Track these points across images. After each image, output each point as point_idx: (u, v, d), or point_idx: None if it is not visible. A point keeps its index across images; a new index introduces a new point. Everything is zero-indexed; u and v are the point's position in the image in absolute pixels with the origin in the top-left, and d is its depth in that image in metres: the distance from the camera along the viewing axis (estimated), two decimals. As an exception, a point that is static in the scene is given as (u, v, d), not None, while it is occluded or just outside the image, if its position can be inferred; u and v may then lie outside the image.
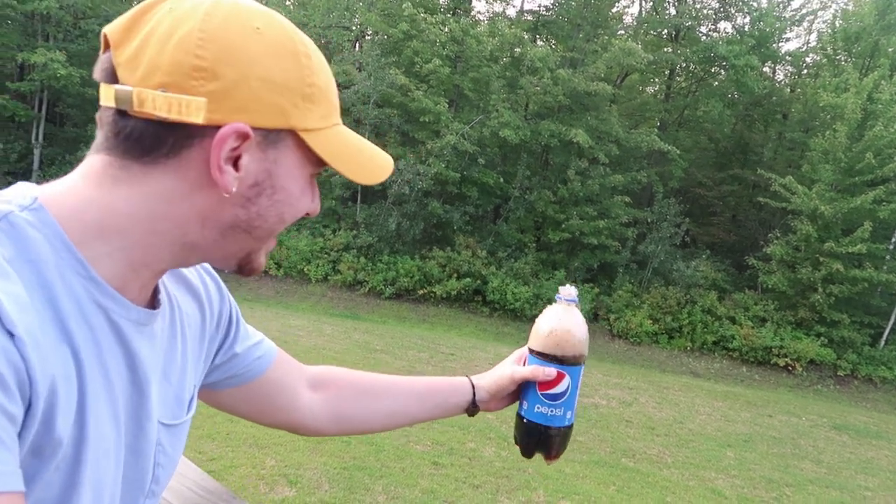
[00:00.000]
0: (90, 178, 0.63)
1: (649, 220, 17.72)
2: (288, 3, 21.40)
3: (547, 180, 17.88)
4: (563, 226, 16.73)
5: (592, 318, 16.03)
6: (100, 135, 0.63)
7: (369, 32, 19.22)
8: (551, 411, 0.99)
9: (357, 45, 19.41)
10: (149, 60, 0.60)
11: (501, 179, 17.38)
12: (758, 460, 7.65)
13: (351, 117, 16.99)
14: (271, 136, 0.65)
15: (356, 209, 17.11)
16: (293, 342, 9.48)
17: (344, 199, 17.47)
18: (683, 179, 19.34)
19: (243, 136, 0.62)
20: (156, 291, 0.73)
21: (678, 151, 17.85)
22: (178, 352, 0.76)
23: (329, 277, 15.78)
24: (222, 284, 0.89)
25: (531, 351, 1.01)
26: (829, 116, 17.73)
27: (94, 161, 0.63)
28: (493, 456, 6.02)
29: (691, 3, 20.11)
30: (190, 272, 0.83)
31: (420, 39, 16.88)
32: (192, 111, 0.60)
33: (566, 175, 17.05)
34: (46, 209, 0.60)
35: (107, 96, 0.61)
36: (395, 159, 16.27)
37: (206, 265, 0.87)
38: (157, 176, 0.62)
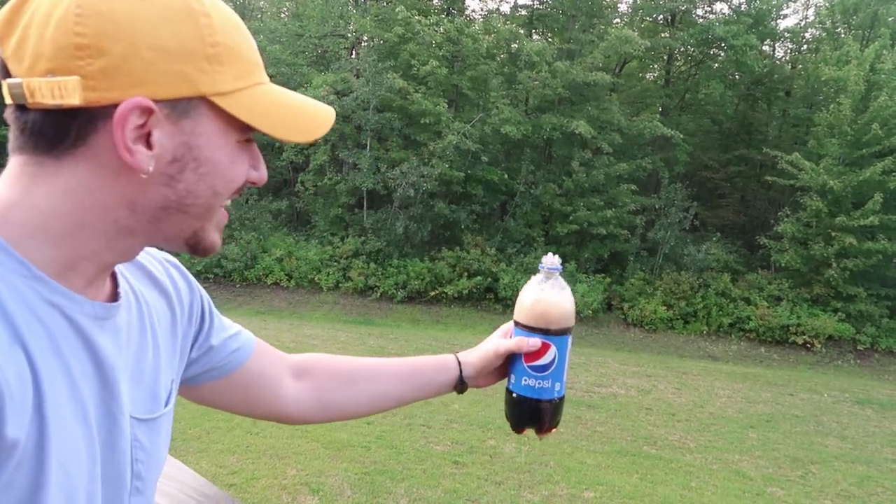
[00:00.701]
0: (9, 181, 0.61)
1: (657, 207, 17.64)
2: (283, 15, 21.51)
3: (551, 173, 17.84)
4: (571, 218, 16.68)
5: (606, 307, 15.98)
6: (10, 134, 0.62)
7: (365, 39, 19.26)
8: (539, 383, 0.98)
9: (353, 52, 19.46)
10: (32, 49, 0.58)
11: (506, 176, 17.36)
12: (781, 440, 7.60)
13: (352, 124, 17.04)
14: (181, 107, 0.61)
15: (363, 215, 17.14)
16: (308, 352, 9.50)
17: (350, 206, 17.52)
18: (689, 164, 19.23)
19: (146, 111, 0.59)
20: (116, 286, 0.71)
21: (682, 136, 17.76)
22: (148, 346, 0.75)
23: (340, 285, 15.82)
24: (191, 278, 0.88)
25: (516, 323, 1.00)
26: (832, 90, 17.57)
27: (11, 163, 0.62)
28: (514, 452, 6.01)
29: (685, -15, 20.00)
30: (155, 268, 0.82)
31: (415, 42, 16.90)
32: (70, 92, 0.57)
33: (570, 167, 17.01)
34: None
35: (4, 93, 0.59)
36: (399, 163, 16.36)
37: (172, 259, 0.87)
38: (70, 167, 0.60)
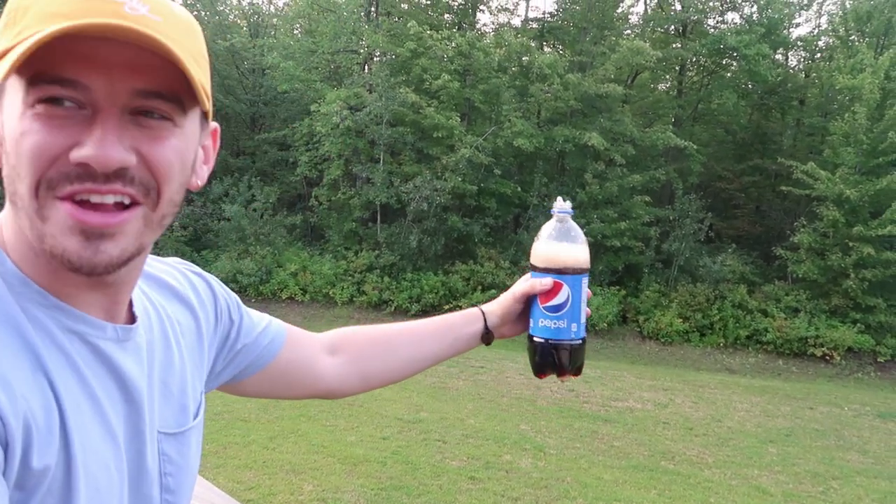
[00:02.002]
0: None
1: (671, 218, 17.55)
2: (296, 31, 21.74)
3: (565, 185, 17.81)
4: (585, 230, 16.27)
5: (621, 320, 15.88)
6: None
7: (377, 54, 19.39)
8: (555, 324, 1.00)
9: (366, 67, 19.60)
10: None
11: (519, 188, 17.36)
12: (801, 454, 7.49)
13: (365, 139, 17.14)
14: None
15: (377, 229, 17.20)
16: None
17: (364, 220, 17.58)
18: (703, 174, 19.13)
19: None
20: (131, 306, 0.71)
21: (695, 146, 17.68)
22: (175, 361, 0.76)
23: (355, 299, 15.85)
24: (215, 283, 0.88)
25: (531, 267, 1.04)
26: (846, 99, 17.44)
27: None
28: (531, 467, 5.97)
29: (696, -3, 20.01)
30: (177, 280, 0.82)
31: (427, 56, 17.00)
32: None
33: (584, 179, 16.98)
34: None
35: None
36: (412, 177, 16.40)
37: (195, 268, 0.88)
38: None
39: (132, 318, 0.71)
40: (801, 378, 13.93)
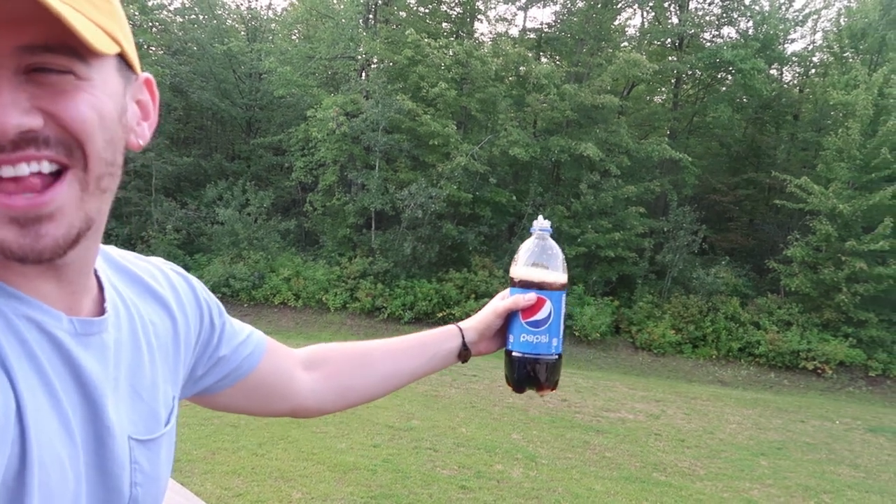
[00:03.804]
0: None
1: (665, 230, 17.59)
2: (293, 37, 21.76)
3: (560, 195, 17.85)
4: (579, 240, 16.65)
5: (614, 331, 15.88)
6: None
7: (374, 61, 19.44)
8: (536, 338, 1.02)
9: (363, 73, 19.62)
10: None
11: (514, 197, 17.38)
12: (792, 468, 7.48)
13: (361, 145, 17.14)
14: None
15: (371, 236, 17.17)
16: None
17: (358, 226, 17.55)
18: (697, 186, 19.20)
19: None
20: (103, 299, 0.68)
21: (690, 159, 17.75)
22: (144, 363, 0.71)
23: (348, 305, 15.80)
24: (197, 287, 0.85)
25: (512, 283, 1.05)
26: (840, 114, 17.56)
27: None
28: (522, 477, 5.94)
29: (693, 10, 20.14)
30: (155, 279, 0.78)
31: (425, 64, 17.03)
32: None
33: (579, 189, 17.02)
34: None
35: None
36: (407, 184, 16.41)
37: (178, 269, 0.84)
38: None
39: (101, 312, 0.67)
40: (792, 391, 13.95)
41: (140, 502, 0.69)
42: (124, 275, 0.74)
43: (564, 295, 1.04)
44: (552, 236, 1.06)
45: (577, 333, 15.23)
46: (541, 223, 1.05)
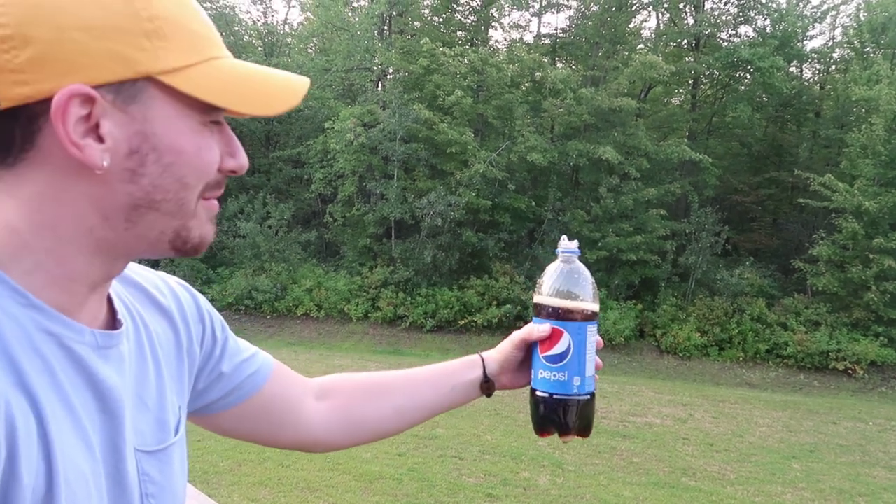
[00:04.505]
0: None
1: (687, 232, 17.42)
2: (310, 50, 21.98)
3: (579, 200, 17.77)
4: (600, 244, 16.55)
5: (638, 335, 15.73)
6: None
7: (390, 71, 19.55)
8: (555, 375, 0.92)
9: (379, 84, 19.75)
10: None
11: (533, 203, 17.34)
12: (826, 470, 7.33)
13: (379, 155, 17.22)
14: (126, 91, 0.55)
15: (391, 245, 17.22)
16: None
17: (378, 236, 17.62)
18: (719, 187, 19.01)
19: (87, 99, 0.53)
20: (114, 312, 0.67)
21: (710, 160, 17.60)
22: (150, 374, 0.71)
23: (369, 315, 15.84)
24: (201, 299, 0.83)
25: (534, 311, 0.96)
26: (863, 110, 17.30)
27: None
28: (549, 484, 5.88)
29: (709, 10, 20.00)
30: (159, 290, 0.78)
31: (440, 73, 17.10)
32: None
33: (598, 193, 16.93)
34: None
35: None
36: (426, 192, 16.44)
37: (181, 282, 0.83)
38: (29, 176, 0.55)
39: (114, 324, 0.67)
40: (823, 392, 13.69)
41: None
42: (128, 285, 0.74)
43: (593, 326, 0.93)
44: (580, 258, 0.95)
45: (601, 338, 15.10)
46: (565, 244, 0.95)
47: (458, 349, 14.73)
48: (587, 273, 0.94)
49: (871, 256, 14.90)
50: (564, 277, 0.93)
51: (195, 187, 0.61)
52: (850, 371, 14.35)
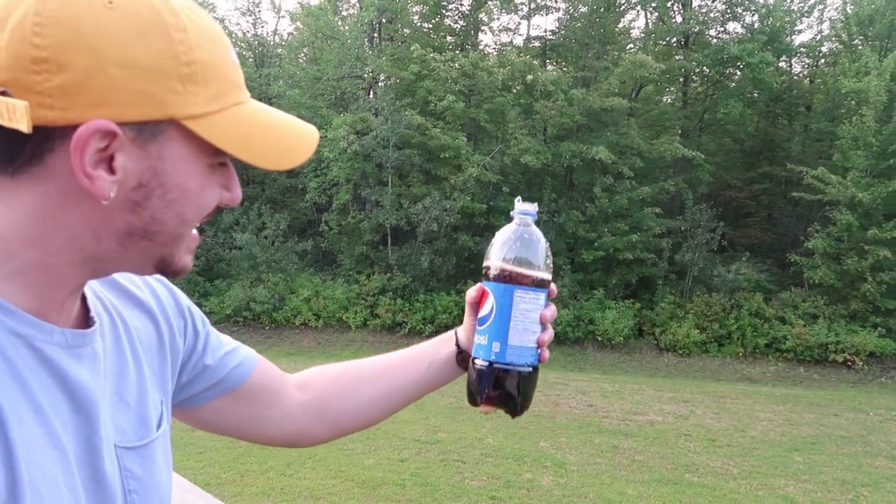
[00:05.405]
0: None
1: (683, 229, 17.46)
2: (300, 60, 22.00)
3: (574, 200, 17.80)
4: (596, 244, 16.57)
5: (637, 333, 15.74)
6: None
7: (381, 78, 19.58)
8: (478, 339, 0.86)
9: (371, 91, 19.78)
10: None
11: (528, 205, 17.33)
12: (828, 462, 7.35)
13: (372, 162, 17.24)
14: (148, 130, 0.56)
15: (387, 252, 17.22)
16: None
17: (374, 243, 17.61)
18: (712, 184, 19.06)
19: (110, 135, 0.53)
20: (87, 310, 0.67)
21: (703, 156, 17.64)
22: (129, 370, 0.71)
23: (368, 322, 15.83)
24: (178, 293, 0.84)
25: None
26: (853, 102, 17.36)
27: None
28: (552, 484, 5.89)
29: (697, 8, 20.09)
30: (136, 286, 0.78)
31: (432, 78, 17.14)
32: (18, 117, 0.51)
33: (593, 193, 16.96)
34: None
35: None
36: (421, 198, 16.46)
37: (158, 276, 0.81)
38: (29, 188, 0.55)
39: (86, 322, 0.66)
40: (823, 385, 13.71)
41: None
42: (104, 282, 0.74)
43: (523, 291, 0.84)
44: (536, 222, 0.89)
45: (599, 338, 15.12)
46: (518, 205, 0.88)
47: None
48: (533, 237, 0.87)
49: (866, 247, 14.95)
50: (505, 239, 0.87)
51: (192, 223, 0.63)
52: (849, 363, 14.37)
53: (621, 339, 15.06)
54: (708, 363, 14.84)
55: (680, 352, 15.13)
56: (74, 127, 0.53)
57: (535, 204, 0.90)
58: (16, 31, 0.51)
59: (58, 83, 0.52)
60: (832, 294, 15.73)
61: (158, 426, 0.73)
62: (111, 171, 0.55)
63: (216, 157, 0.61)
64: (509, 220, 0.89)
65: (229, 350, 0.88)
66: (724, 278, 16.23)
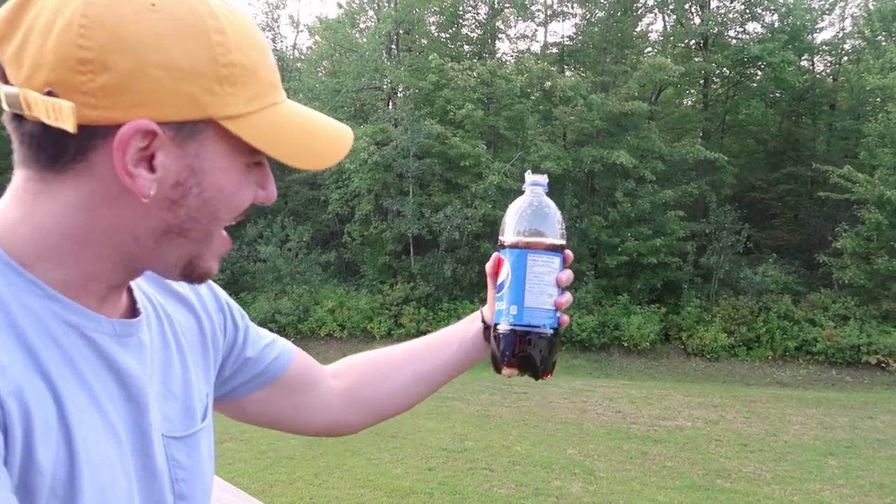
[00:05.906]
0: (15, 197, 0.59)
1: (707, 232, 17.27)
2: (320, 73, 22.23)
3: (596, 206, 17.71)
4: (619, 249, 16.45)
5: (664, 338, 15.57)
6: (14, 145, 0.58)
7: (400, 89, 19.70)
8: (498, 305, 0.90)
9: (390, 102, 19.91)
10: (32, 56, 0.54)
11: (550, 211, 17.29)
12: (864, 466, 7.18)
13: (393, 172, 17.32)
14: (187, 129, 0.58)
15: (410, 261, 17.26)
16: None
17: (397, 252, 17.67)
18: (736, 185, 18.84)
19: (151, 134, 0.55)
20: (133, 301, 0.69)
21: (726, 158, 17.47)
22: (174, 361, 0.73)
23: (393, 332, 15.85)
24: (217, 288, 0.85)
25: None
26: (878, 99, 17.10)
27: (16, 177, 0.59)
28: (581, 492, 5.83)
29: (715, 9, 19.95)
30: (178, 283, 0.78)
31: (450, 87, 17.20)
32: (64, 117, 0.53)
33: (614, 197, 16.86)
34: None
35: (1, 99, 0.55)
36: (442, 207, 16.49)
37: None
38: (72, 184, 0.57)
39: (133, 313, 0.68)
40: (856, 387, 13.43)
41: (187, 497, 0.70)
42: (148, 277, 0.75)
43: (536, 255, 0.88)
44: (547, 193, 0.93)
45: (625, 344, 14.98)
46: (528, 177, 0.92)
47: (482, 362, 14.67)
48: (543, 205, 0.91)
49: (896, 246, 14.67)
50: (517, 208, 0.92)
51: (225, 220, 0.64)
52: (882, 364, 14.07)
53: (647, 344, 14.91)
54: (737, 367, 14.62)
55: (708, 356, 14.93)
56: (117, 126, 0.54)
57: (545, 175, 0.93)
58: (63, 34, 0.53)
59: (101, 83, 0.53)
60: (863, 294, 15.43)
61: (203, 417, 0.75)
62: (151, 169, 0.57)
63: (252, 157, 0.63)
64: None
65: (268, 342, 0.90)
66: (751, 281, 16.00)
